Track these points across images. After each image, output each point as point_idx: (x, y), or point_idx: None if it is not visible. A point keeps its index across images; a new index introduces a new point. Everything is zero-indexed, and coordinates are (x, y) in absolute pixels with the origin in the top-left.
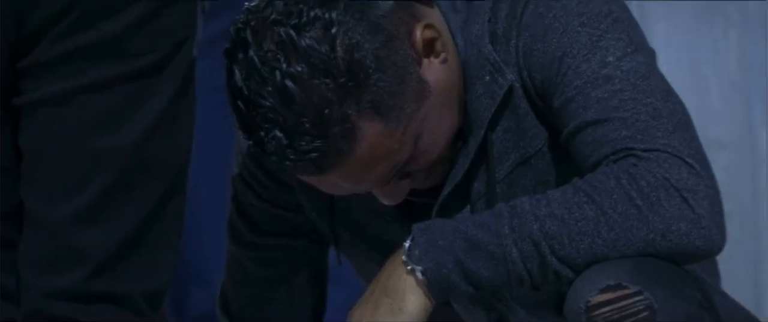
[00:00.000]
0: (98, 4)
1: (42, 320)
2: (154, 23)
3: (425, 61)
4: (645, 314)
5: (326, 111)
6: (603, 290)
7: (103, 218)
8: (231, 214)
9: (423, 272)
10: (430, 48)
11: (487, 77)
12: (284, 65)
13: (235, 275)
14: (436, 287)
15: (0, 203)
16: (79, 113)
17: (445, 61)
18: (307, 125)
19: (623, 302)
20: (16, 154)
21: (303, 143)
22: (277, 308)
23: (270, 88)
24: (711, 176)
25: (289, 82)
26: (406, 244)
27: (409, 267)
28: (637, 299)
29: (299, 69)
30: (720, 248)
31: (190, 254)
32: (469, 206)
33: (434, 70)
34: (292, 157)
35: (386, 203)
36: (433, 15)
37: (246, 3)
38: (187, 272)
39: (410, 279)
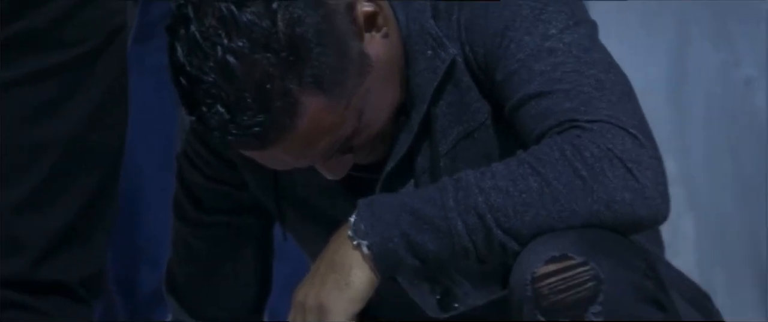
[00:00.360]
0: None
1: None
2: (85, 13)
3: (367, 35)
4: (591, 284)
5: (268, 86)
6: (548, 261)
7: (41, 208)
8: (176, 191)
9: (369, 247)
10: (371, 23)
11: (429, 52)
12: (225, 40)
13: (181, 253)
14: (382, 262)
15: None
16: (14, 104)
17: (386, 35)
18: (249, 100)
19: (569, 273)
20: None
21: (245, 118)
22: (223, 284)
23: (212, 64)
24: (654, 146)
25: (230, 58)
26: (352, 219)
27: (355, 242)
28: (582, 269)
29: (240, 44)
30: (664, 218)
31: (138, 234)
32: (413, 181)
33: (376, 45)
34: (234, 132)
35: (329, 177)
36: None
37: None
38: (135, 252)
39: (356, 254)
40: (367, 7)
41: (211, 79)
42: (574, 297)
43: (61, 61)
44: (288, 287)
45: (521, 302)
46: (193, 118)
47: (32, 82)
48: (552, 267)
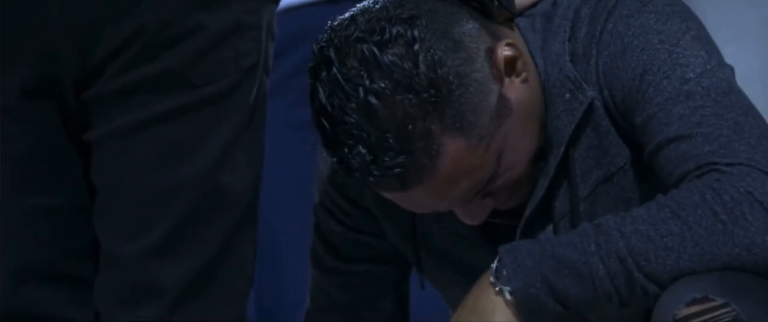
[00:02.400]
0: (159, 36)
1: None
2: (217, 52)
3: (506, 80)
4: None
5: (409, 127)
6: (690, 303)
7: (177, 252)
8: (313, 242)
9: (511, 293)
10: (511, 67)
11: (568, 95)
12: (367, 82)
13: (319, 302)
14: (524, 307)
15: (76, 241)
16: (146, 147)
17: (525, 80)
18: (391, 141)
19: (710, 314)
20: (89, 191)
21: (386, 159)
22: None
23: (353, 105)
24: None
25: (372, 99)
26: (494, 265)
27: (497, 288)
28: (724, 310)
29: (382, 85)
30: None
31: (270, 288)
32: (551, 226)
33: (515, 90)
34: (375, 173)
35: (468, 222)
36: (513, 35)
37: (329, 24)
38: (266, 305)
39: (499, 300)
40: (507, 52)
41: (353, 120)
42: None
43: (192, 102)
44: None
45: None
46: (335, 159)
47: (163, 123)
48: (693, 309)
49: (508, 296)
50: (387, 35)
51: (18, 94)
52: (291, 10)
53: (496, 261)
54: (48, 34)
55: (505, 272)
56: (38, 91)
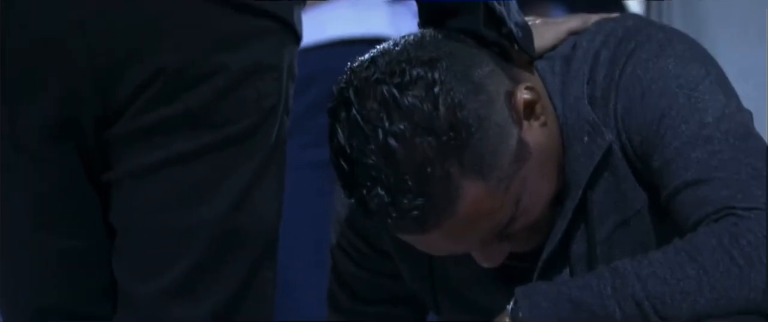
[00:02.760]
0: (180, 76)
1: None
2: (238, 93)
3: (525, 123)
4: None
5: (428, 169)
6: None
7: (194, 293)
8: (330, 283)
9: None
10: (530, 111)
11: (586, 138)
12: (387, 123)
13: None
14: None
15: (95, 282)
16: (165, 187)
17: (544, 124)
18: (410, 183)
19: None
20: (108, 231)
21: (405, 201)
22: None
23: (373, 146)
24: None
25: (391, 140)
26: (509, 307)
27: None
28: None
29: (402, 127)
30: None
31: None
32: (568, 269)
33: (534, 133)
34: (394, 215)
35: (485, 265)
36: (533, 78)
37: (348, 66)
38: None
39: None
40: (527, 95)
41: (371, 161)
42: None
43: (212, 142)
44: None
45: None
46: (353, 200)
47: (183, 163)
48: None
49: None
50: (407, 77)
51: (40, 133)
52: (306, 51)
53: (512, 302)
54: (71, 74)
55: (521, 314)
56: (60, 131)
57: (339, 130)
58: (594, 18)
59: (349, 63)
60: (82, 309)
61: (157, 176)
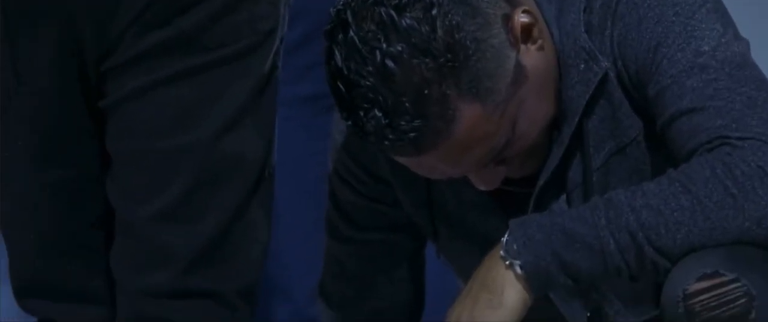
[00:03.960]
0: (173, 1)
1: (140, 320)
2: (231, 17)
3: (522, 47)
4: (743, 300)
5: (426, 91)
6: (700, 278)
7: (189, 215)
8: (328, 211)
9: (521, 266)
10: (527, 34)
11: (582, 65)
12: (384, 45)
13: (334, 270)
14: (534, 281)
15: (92, 211)
16: (156, 108)
17: (541, 48)
18: (407, 105)
19: (721, 290)
20: (104, 160)
21: (402, 123)
22: (377, 301)
23: (370, 68)
24: None
25: (389, 62)
26: (504, 239)
27: (507, 262)
28: (734, 285)
29: (399, 49)
30: None
31: (273, 268)
32: (564, 195)
33: (531, 57)
34: (390, 136)
35: (482, 188)
36: (530, 3)
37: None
38: (270, 287)
39: (509, 274)
40: (524, 19)
41: (369, 83)
42: (727, 314)
43: (203, 64)
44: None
45: (674, 318)
46: (349, 123)
47: (173, 84)
48: (704, 284)
49: (518, 270)
50: None
51: (41, 68)
52: None
53: (506, 235)
54: (69, 9)
55: (515, 246)
56: (60, 66)
57: (336, 53)
58: None
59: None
60: (80, 239)
61: (148, 98)
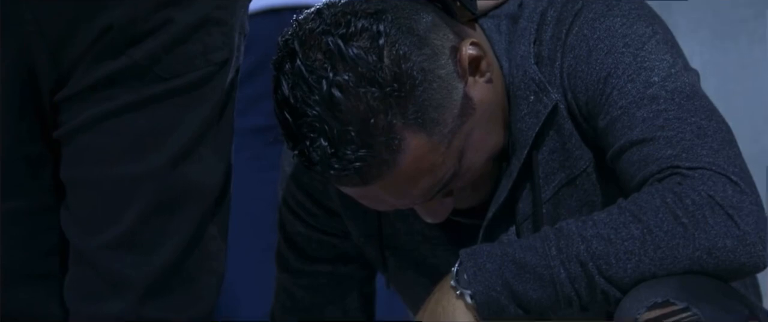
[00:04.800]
0: (127, 32)
1: None
2: (184, 47)
3: (470, 79)
4: None
5: (372, 120)
6: (651, 308)
7: (143, 245)
8: (278, 242)
9: (472, 296)
10: (475, 66)
11: (532, 97)
12: (331, 74)
13: (285, 303)
14: (485, 311)
15: (49, 240)
16: (111, 138)
17: (489, 80)
18: (353, 134)
19: (671, 319)
20: (59, 190)
21: (348, 152)
22: None
23: (316, 97)
24: (755, 193)
25: (335, 91)
26: (454, 269)
27: (458, 291)
28: (685, 315)
29: (346, 78)
30: (765, 265)
31: (222, 299)
32: (514, 227)
33: (479, 89)
34: (336, 166)
35: (429, 220)
36: (478, 35)
37: (295, 17)
38: (219, 318)
39: (459, 303)
40: (472, 51)
41: (315, 112)
42: None
43: (157, 94)
44: None
45: None
46: (295, 153)
47: (128, 114)
48: (654, 313)
49: (468, 300)
50: (352, 28)
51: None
52: None
53: (457, 265)
54: (24, 36)
55: (466, 276)
56: (17, 91)
57: (283, 82)
58: None
59: (282, 29)
60: (38, 268)
61: (101, 128)
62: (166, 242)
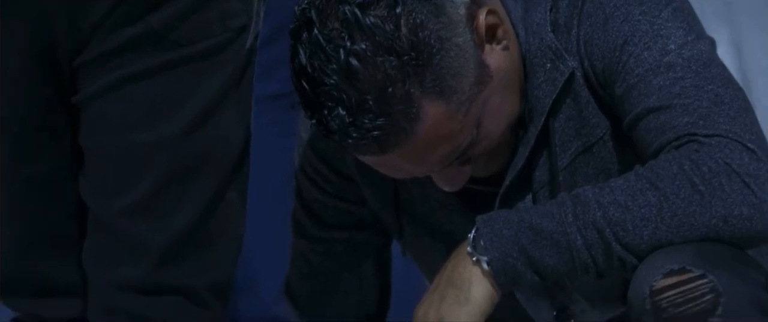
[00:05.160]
0: None
1: (110, 315)
2: (201, 14)
3: (487, 46)
4: (710, 296)
5: (389, 89)
6: (667, 275)
7: (161, 210)
8: (294, 208)
9: (488, 263)
10: (492, 34)
11: (548, 65)
12: (348, 43)
13: (301, 269)
14: (501, 277)
15: (68, 205)
16: (126, 104)
17: (506, 48)
18: (370, 103)
19: (687, 286)
20: (78, 155)
21: (366, 121)
22: (342, 299)
23: (334, 66)
24: None
25: (353, 60)
26: (471, 235)
27: (474, 258)
28: (701, 282)
29: (363, 47)
30: None
31: (240, 266)
32: (530, 195)
33: (496, 57)
34: (354, 135)
35: (446, 188)
36: (495, 3)
37: None
38: (236, 284)
39: (476, 270)
40: (489, 19)
41: (333, 81)
42: (693, 310)
43: (174, 60)
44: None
45: (640, 315)
46: (313, 121)
47: (145, 80)
48: (670, 280)
49: (485, 267)
50: None
51: (19, 58)
52: None
53: (473, 231)
54: (43, 4)
55: (482, 242)
56: (37, 57)
57: (300, 51)
58: None
59: None
60: (58, 232)
61: (118, 94)
62: (183, 208)
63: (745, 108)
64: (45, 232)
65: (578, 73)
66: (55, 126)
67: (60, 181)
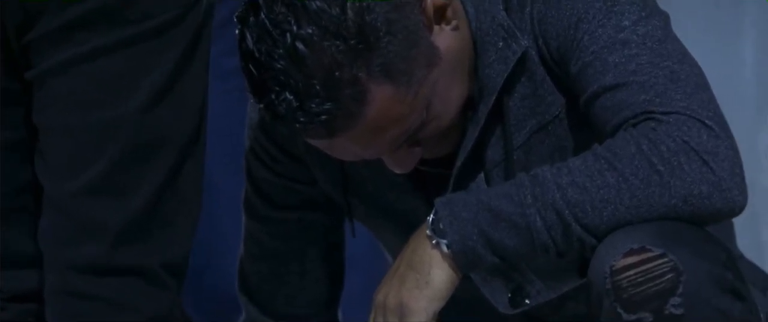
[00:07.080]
0: None
1: (66, 297)
2: None
3: (436, 27)
4: (670, 275)
5: (337, 73)
6: (627, 254)
7: (117, 189)
8: (246, 189)
9: (448, 245)
10: (440, 15)
11: (501, 43)
12: (295, 27)
13: (252, 250)
14: (461, 259)
15: (23, 178)
16: (82, 82)
17: (455, 28)
18: (318, 87)
19: (648, 265)
20: (33, 133)
21: (313, 105)
22: (294, 280)
23: (281, 51)
24: (730, 137)
25: (299, 44)
26: (430, 218)
27: (433, 241)
28: (661, 261)
29: (310, 31)
30: (741, 209)
31: (211, 237)
32: (483, 174)
33: (445, 37)
34: (302, 119)
35: (397, 170)
36: None
37: None
38: (207, 255)
39: (435, 253)
40: (437, 0)
41: (280, 65)
42: (654, 289)
43: (129, 36)
44: (363, 297)
45: (600, 295)
46: (262, 105)
47: (100, 58)
48: (630, 260)
49: (445, 249)
50: None
51: None
52: None
53: (432, 214)
54: None
55: (441, 225)
56: None
57: (247, 36)
58: None
59: None
60: (16, 204)
61: (74, 72)
62: (140, 187)
63: (701, 84)
64: (7, 202)
65: (532, 52)
66: (6, 95)
67: (13, 151)
